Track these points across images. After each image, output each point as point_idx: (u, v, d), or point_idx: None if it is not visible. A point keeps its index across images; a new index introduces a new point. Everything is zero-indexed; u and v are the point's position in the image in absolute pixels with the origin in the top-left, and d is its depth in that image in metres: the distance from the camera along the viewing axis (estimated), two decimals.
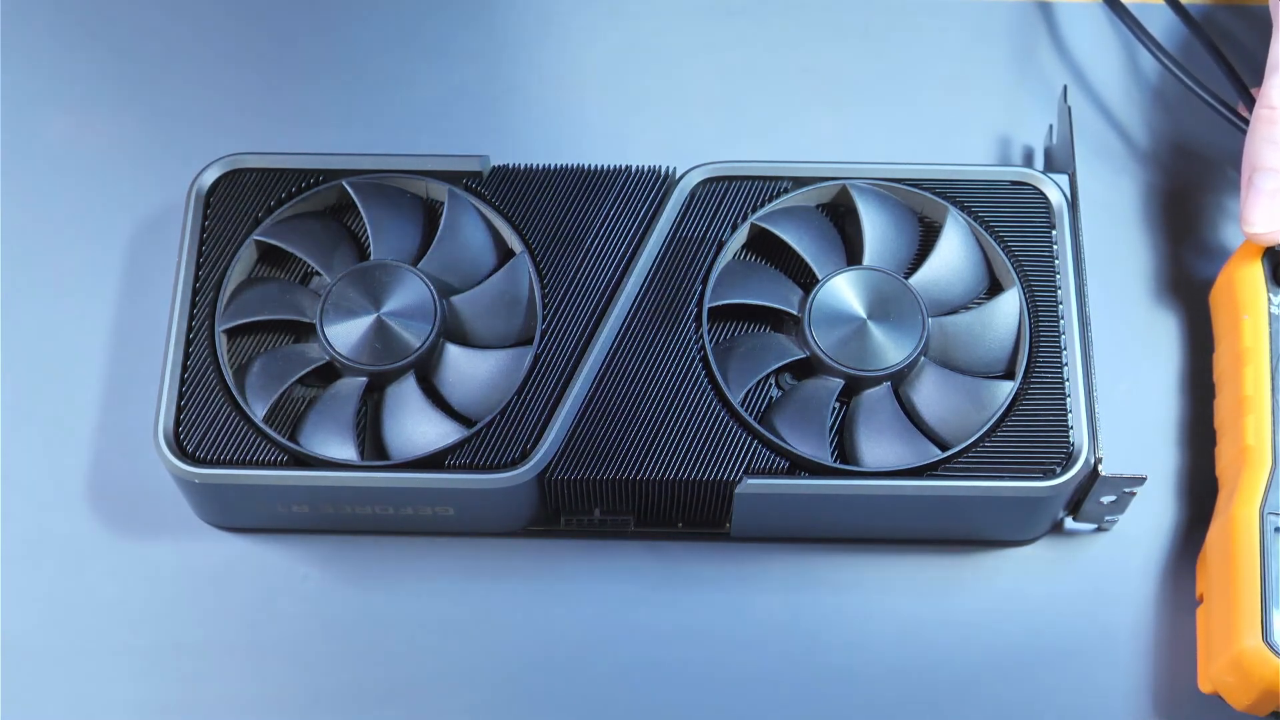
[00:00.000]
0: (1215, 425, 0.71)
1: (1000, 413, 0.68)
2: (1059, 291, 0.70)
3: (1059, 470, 0.67)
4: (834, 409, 0.70)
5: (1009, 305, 0.70)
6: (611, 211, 0.72)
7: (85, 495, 0.71)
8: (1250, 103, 0.73)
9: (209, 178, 0.72)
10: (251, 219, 0.72)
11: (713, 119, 0.79)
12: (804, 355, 0.70)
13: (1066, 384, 0.69)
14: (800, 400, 0.70)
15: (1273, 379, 0.68)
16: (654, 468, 0.68)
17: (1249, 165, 0.70)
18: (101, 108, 0.79)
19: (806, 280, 0.71)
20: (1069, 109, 0.73)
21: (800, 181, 0.73)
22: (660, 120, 0.79)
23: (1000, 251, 0.71)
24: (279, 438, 0.68)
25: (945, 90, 0.80)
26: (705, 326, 0.70)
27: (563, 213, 0.72)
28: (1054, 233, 0.71)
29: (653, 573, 0.70)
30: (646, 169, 0.73)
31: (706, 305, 0.70)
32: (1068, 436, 0.68)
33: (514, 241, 0.72)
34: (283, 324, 0.71)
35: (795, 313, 0.70)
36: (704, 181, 0.72)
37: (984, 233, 0.72)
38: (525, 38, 0.81)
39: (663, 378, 0.69)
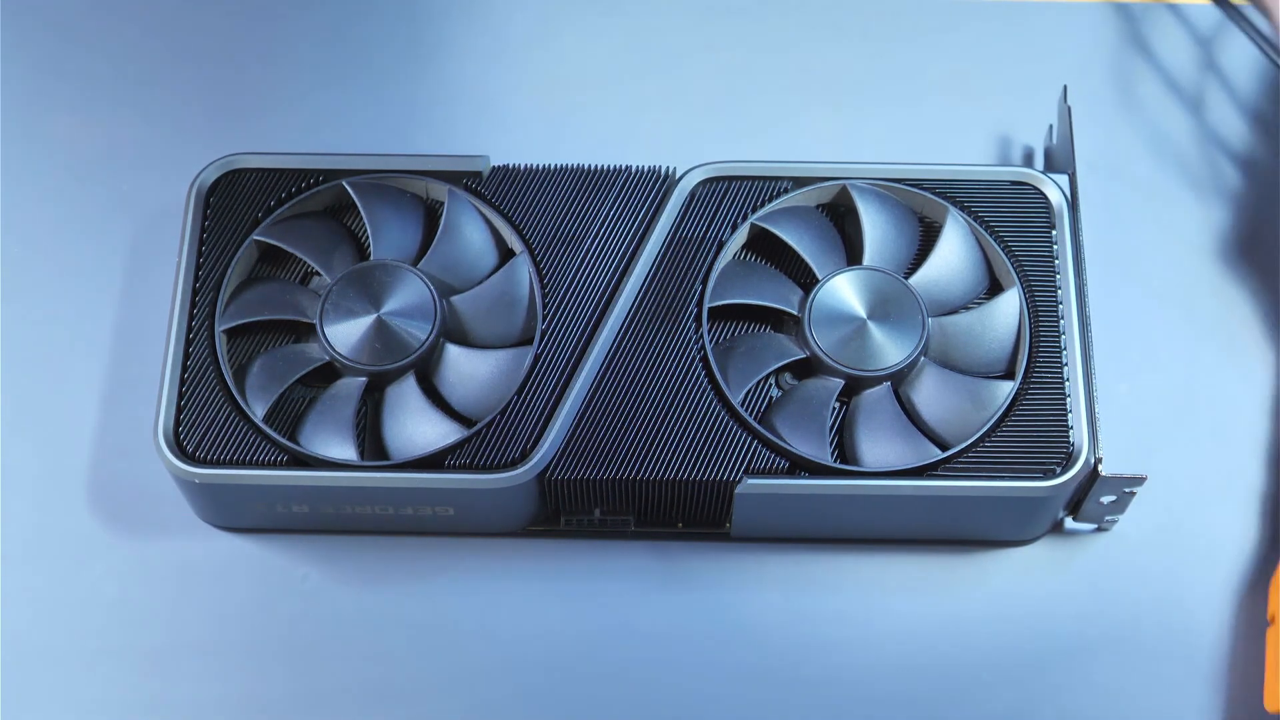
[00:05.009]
0: None
1: (1000, 413, 0.68)
2: (1059, 291, 0.70)
3: (1059, 470, 0.67)
4: (834, 409, 0.70)
5: (1009, 305, 0.70)
6: (611, 211, 0.72)
7: (85, 495, 0.71)
8: None
9: (209, 178, 0.72)
10: (251, 219, 0.72)
11: (713, 119, 0.79)
12: (804, 355, 0.70)
13: (1066, 384, 0.69)
14: (800, 400, 0.70)
15: None
16: (654, 468, 0.68)
17: None
18: (101, 108, 0.79)
19: (806, 280, 0.71)
20: (1069, 109, 0.73)
21: (800, 181, 0.72)
22: (660, 120, 0.79)
23: (1000, 251, 0.71)
24: (279, 438, 0.68)
25: (945, 90, 0.80)
26: (705, 326, 0.70)
27: (563, 213, 0.72)
28: (1054, 233, 0.71)
29: (653, 573, 0.70)
30: (646, 169, 0.72)
31: (706, 305, 0.70)
32: (1068, 436, 0.68)
33: (514, 241, 0.72)
34: (283, 324, 0.71)
35: (795, 313, 0.70)
36: (704, 181, 0.72)
37: (984, 233, 0.72)
38: (525, 37, 0.81)
39: (663, 378, 0.69)
